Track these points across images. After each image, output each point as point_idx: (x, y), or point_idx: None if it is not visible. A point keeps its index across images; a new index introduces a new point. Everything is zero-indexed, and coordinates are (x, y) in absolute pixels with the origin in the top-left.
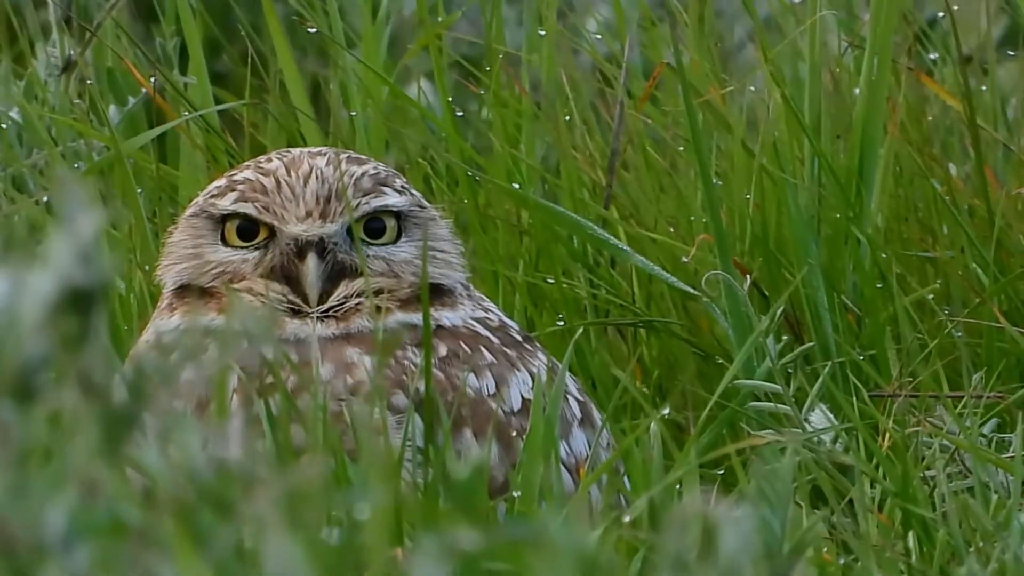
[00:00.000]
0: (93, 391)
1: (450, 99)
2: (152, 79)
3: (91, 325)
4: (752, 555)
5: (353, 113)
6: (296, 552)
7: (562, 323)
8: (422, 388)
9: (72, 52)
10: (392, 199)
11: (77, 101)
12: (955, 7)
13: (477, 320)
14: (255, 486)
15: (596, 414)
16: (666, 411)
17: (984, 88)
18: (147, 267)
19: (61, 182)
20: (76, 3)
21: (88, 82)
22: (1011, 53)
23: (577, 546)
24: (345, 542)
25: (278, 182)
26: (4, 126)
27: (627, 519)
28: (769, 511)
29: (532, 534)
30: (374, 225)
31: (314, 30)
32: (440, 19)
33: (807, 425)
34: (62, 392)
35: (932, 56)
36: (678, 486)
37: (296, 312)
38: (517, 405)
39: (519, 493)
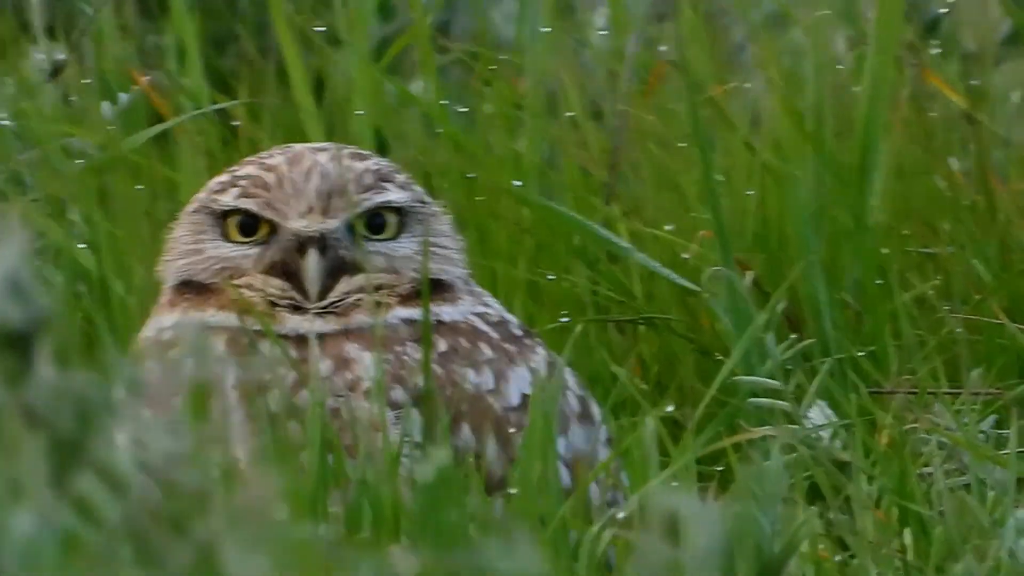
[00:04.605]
0: (37, 423)
1: (447, 99)
2: (147, 77)
3: (29, 360)
4: (726, 550)
5: (359, 113)
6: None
7: (563, 320)
8: (421, 383)
9: (59, 57)
10: (394, 195)
11: (73, 99)
12: (952, 1)
13: (477, 315)
14: (210, 501)
15: (596, 409)
16: (670, 408)
17: (980, 84)
18: (146, 264)
19: None
20: (60, 8)
21: (86, 81)
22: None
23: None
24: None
25: (280, 178)
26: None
27: (620, 517)
28: (758, 508)
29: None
30: (375, 221)
31: (323, 28)
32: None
33: (806, 422)
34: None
35: (934, 52)
36: (675, 483)
37: (296, 308)
38: (516, 401)
39: (516, 490)
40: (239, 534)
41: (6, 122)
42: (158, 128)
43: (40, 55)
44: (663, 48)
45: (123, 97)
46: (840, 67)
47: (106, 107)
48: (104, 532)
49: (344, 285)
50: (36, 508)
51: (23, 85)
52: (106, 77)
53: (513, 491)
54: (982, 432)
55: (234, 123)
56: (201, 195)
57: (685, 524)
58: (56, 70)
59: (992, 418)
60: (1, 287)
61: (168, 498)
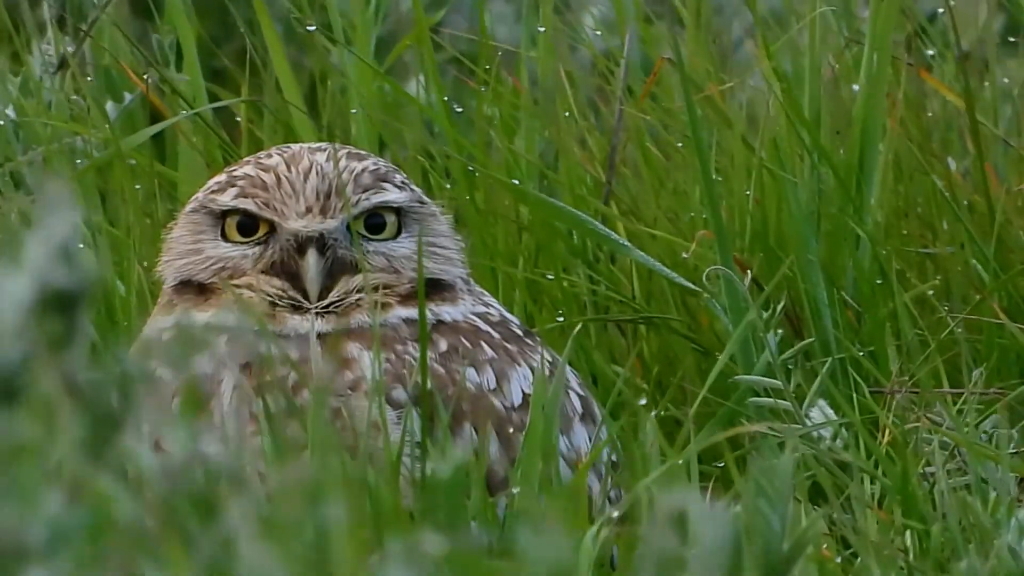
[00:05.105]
0: (77, 392)
1: (445, 97)
2: (146, 77)
3: (75, 326)
4: (730, 548)
5: (354, 111)
6: (275, 554)
7: (562, 319)
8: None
9: (66, 51)
10: (392, 195)
11: (75, 97)
12: (952, 2)
13: (478, 315)
14: (241, 486)
15: (597, 409)
16: (662, 410)
17: (985, 84)
18: (146, 264)
19: (43, 183)
20: (71, 1)
21: (89, 79)
22: (1012, 40)
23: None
24: (323, 544)
25: (278, 178)
26: (1, 123)
27: (617, 514)
28: (768, 507)
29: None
30: (374, 221)
31: (312, 27)
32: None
33: (807, 421)
34: (46, 392)
35: (931, 52)
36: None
37: (296, 308)
38: (518, 400)
39: (519, 489)
40: (257, 528)
41: (10, 116)
42: (156, 127)
43: (48, 47)
44: (660, 47)
45: (128, 96)
46: (837, 66)
47: (110, 106)
48: (135, 511)
49: (344, 285)
50: (68, 484)
51: (26, 83)
52: (111, 75)
53: (515, 490)
54: (984, 432)
55: (235, 119)
56: (199, 195)
57: (691, 522)
58: (62, 63)
59: (993, 418)
60: (50, 252)
61: (196, 487)
